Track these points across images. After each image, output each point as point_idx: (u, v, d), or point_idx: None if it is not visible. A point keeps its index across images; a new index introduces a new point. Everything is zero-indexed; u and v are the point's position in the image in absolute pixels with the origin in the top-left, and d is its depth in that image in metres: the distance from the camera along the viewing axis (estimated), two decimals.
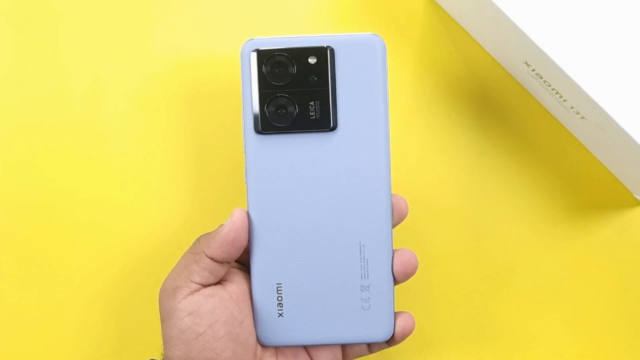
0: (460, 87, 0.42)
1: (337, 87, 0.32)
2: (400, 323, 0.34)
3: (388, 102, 0.32)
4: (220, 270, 0.32)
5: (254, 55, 0.32)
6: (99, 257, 0.41)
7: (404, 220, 0.35)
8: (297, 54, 0.32)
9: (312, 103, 0.32)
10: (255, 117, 0.32)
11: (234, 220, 0.31)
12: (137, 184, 0.41)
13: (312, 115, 0.32)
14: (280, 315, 0.33)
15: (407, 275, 0.33)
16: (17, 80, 0.41)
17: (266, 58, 0.32)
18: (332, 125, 0.32)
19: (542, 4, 0.34)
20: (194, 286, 0.31)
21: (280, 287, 0.33)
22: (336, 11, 0.42)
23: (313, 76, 0.32)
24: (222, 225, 0.32)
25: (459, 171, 0.42)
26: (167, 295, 0.31)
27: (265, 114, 0.32)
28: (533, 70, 0.37)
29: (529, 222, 0.42)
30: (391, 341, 0.34)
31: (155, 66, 0.41)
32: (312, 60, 0.32)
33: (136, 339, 0.41)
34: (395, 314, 0.34)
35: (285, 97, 0.32)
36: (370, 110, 0.32)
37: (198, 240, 0.32)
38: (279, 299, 0.33)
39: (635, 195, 0.41)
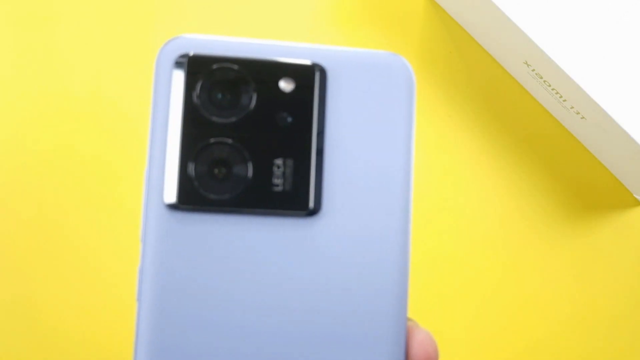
0: (460, 87, 0.42)
1: (325, 136, 0.18)
2: (419, 347, 0.20)
3: (412, 168, 0.19)
4: None
5: (181, 64, 0.18)
6: (97, 258, 0.41)
7: None
8: (262, 71, 0.18)
9: (278, 162, 0.18)
10: (170, 180, 0.18)
11: None
12: (137, 185, 0.41)
13: (277, 185, 0.18)
14: None
15: None
16: (16, 80, 0.41)
17: (204, 71, 0.18)
18: (311, 205, 0.18)
19: (542, 4, 0.34)
20: None
21: None
22: (335, 11, 0.42)
23: (285, 114, 0.18)
24: None
25: (459, 171, 0.42)
26: None
27: (188, 174, 0.18)
28: (533, 70, 0.37)
29: (529, 222, 0.42)
30: None
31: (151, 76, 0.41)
32: (286, 85, 0.18)
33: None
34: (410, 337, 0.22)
35: (231, 144, 0.18)
36: (380, 182, 0.19)
37: None
38: None
39: (635, 195, 0.41)
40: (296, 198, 0.18)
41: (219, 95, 0.18)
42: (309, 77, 0.18)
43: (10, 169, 0.41)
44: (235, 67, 0.18)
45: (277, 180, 0.18)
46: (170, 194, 0.18)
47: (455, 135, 0.42)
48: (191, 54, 0.18)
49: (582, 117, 0.37)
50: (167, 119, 0.18)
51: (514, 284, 0.42)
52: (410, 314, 0.32)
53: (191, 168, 0.18)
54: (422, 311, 0.41)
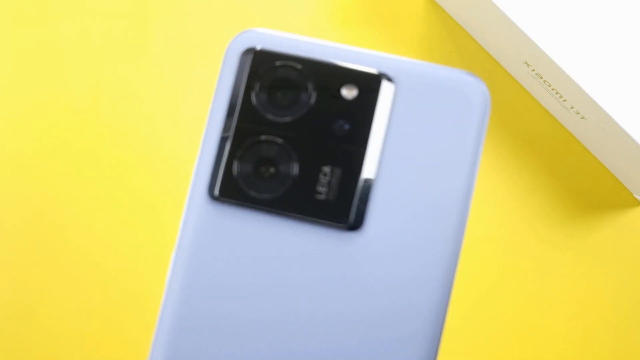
0: None
1: (381, 151, 0.17)
2: None
3: (470, 201, 0.18)
4: None
5: (246, 58, 0.18)
6: (97, 260, 0.41)
7: None
8: (325, 74, 0.17)
9: (326, 170, 0.17)
10: (214, 172, 0.18)
11: None
12: (136, 187, 0.41)
13: (320, 194, 0.17)
14: None
15: None
16: (16, 80, 0.41)
17: (266, 67, 0.18)
18: (351, 219, 0.17)
19: (542, 4, 0.34)
20: None
21: None
22: (335, 11, 0.42)
23: (342, 121, 0.17)
24: None
25: None
26: None
27: (233, 167, 0.18)
28: (533, 70, 0.37)
29: (529, 222, 0.42)
30: None
31: (154, 68, 0.41)
32: (348, 92, 0.18)
33: (132, 342, 0.41)
34: None
35: (280, 144, 0.18)
36: (432, 210, 0.18)
37: None
38: None
39: (635, 195, 0.41)
40: (338, 210, 0.17)
41: (277, 93, 0.18)
42: (374, 86, 0.17)
43: (10, 168, 0.41)
44: (299, 66, 0.18)
45: (321, 188, 0.17)
46: (214, 185, 0.18)
47: None
48: (258, 48, 0.18)
49: (582, 117, 0.37)
50: (224, 111, 0.18)
51: (513, 284, 0.42)
52: None
53: (237, 162, 0.18)
54: None
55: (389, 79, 0.17)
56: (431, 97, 0.17)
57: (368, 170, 0.17)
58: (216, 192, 0.18)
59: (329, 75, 0.17)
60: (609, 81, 0.33)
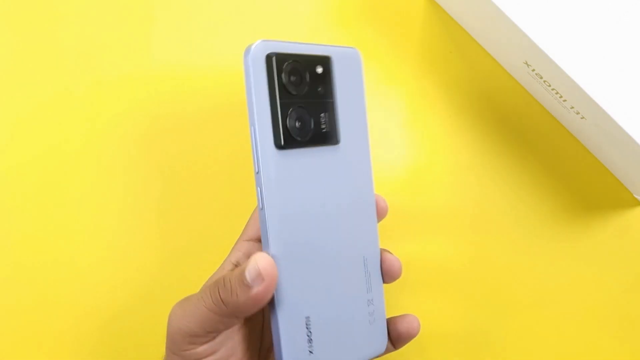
0: (460, 87, 0.42)
1: (336, 99, 0.31)
2: (405, 324, 0.32)
3: (367, 116, 0.32)
4: (243, 318, 0.30)
5: (271, 60, 0.28)
6: (90, 265, 0.41)
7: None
8: (309, 62, 0.30)
9: (322, 115, 0.30)
10: (276, 130, 0.29)
11: (268, 284, 0.27)
12: (131, 196, 0.41)
13: (324, 128, 0.30)
14: (311, 352, 0.29)
15: (394, 278, 0.32)
16: (14, 82, 0.41)
17: (284, 64, 0.29)
18: (338, 139, 0.31)
19: (542, 4, 0.34)
20: (215, 335, 0.29)
21: (309, 320, 0.30)
22: (336, 11, 0.42)
23: (320, 87, 0.30)
24: (249, 286, 0.27)
25: (459, 171, 0.42)
26: (183, 336, 0.29)
27: (286, 126, 0.29)
28: (533, 70, 0.37)
29: (529, 222, 0.42)
30: (398, 343, 0.33)
31: (152, 75, 0.41)
32: (319, 70, 0.30)
33: (132, 353, 0.41)
34: (400, 317, 0.33)
35: (304, 108, 0.30)
36: (357, 123, 0.32)
37: (219, 297, 0.28)
38: (309, 334, 0.30)
39: (635, 195, 0.41)
40: (333, 135, 0.31)
41: (294, 78, 0.29)
42: (329, 64, 0.31)
43: (10, 167, 0.41)
44: (300, 60, 0.29)
45: (324, 126, 0.30)
46: (279, 140, 0.29)
47: (456, 136, 0.42)
48: (278, 52, 0.29)
49: (582, 117, 0.37)
50: (268, 93, 0.28)
51: (513, 283, 0.42)
52: (412, 311, 0.32)
53: (288, 123, 0.29)
54: (423, 309, 0.41)
55: (331, 59, 0.31)
56: (346, 61, 0.31)
57: (335, 110, 0.31)
58: (282, 143, 0.29)
59: (312, 62, 0.30)
60: (609, 81, 0.33)
